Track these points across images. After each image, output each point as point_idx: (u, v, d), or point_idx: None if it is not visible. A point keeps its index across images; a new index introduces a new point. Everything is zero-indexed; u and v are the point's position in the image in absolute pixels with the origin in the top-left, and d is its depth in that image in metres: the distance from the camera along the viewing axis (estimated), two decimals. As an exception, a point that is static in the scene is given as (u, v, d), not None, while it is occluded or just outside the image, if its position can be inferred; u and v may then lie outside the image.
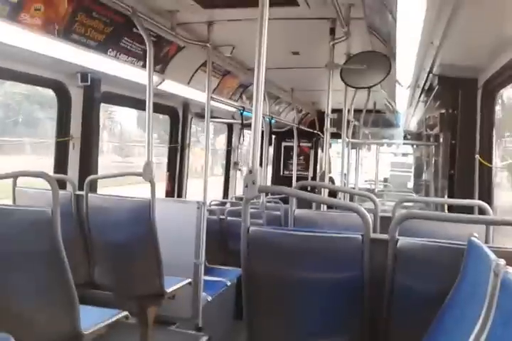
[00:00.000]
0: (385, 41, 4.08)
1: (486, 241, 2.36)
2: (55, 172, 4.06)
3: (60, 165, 4.12)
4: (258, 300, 2.16)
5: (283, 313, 2.15)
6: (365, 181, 10.99)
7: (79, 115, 4.17)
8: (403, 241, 1.89)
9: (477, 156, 3.67)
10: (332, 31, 3.97)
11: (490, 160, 3.61)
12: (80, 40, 3.37)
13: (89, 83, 3.99)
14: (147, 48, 3.61)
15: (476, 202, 2.83)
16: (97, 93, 4.18)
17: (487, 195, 3.60)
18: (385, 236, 1.93)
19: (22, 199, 3.35)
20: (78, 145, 4.18)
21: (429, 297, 1.76)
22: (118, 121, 10.26)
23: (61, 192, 2.61)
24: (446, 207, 4.10)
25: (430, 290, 1.79)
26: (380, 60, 4.10)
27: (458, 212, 2.21)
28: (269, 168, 9.93)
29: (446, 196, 4.43)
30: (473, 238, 1.65)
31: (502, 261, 1.16)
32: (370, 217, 1.98)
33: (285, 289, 2.11)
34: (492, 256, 1.27)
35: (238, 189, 8.19)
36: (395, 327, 1.92)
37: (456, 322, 1.44)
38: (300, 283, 2.06)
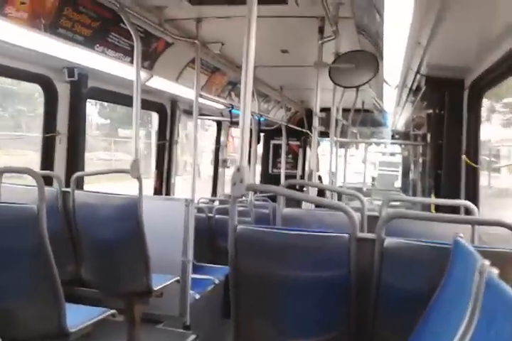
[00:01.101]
0: (373, 41, 4.09)
1: (472, 241, 2.38)
2: (42, 168, 4.02)
3: (47, 161, 4.08)
4: (245, 299, 2.15)
5: (270, 312, 2.15)
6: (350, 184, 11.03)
7: (66, 111, 4.14)
8: (390, 240, 1.90)
9: (463, 157, 3.70)
10: (321, 30, 3.97)
11: (476, 161, 3.64)
12: (66, 35, 3.34)
13: (76, 78, 3.96)
14: (135, 44, 3.59)
15: (463, 202, 2.85)
16: (83, 88, 4.14)
17: (473, 195, 3.63)
18: (371, 236, 1.94)
19: (7, 196, 3.32)
20: (65, 142, 4.14)
21: (416, 296, 1.77)
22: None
23: (47, 188, 2.59)
24: (432, 206, 4.12)
25: (416, 289, 1.80)
26: (368, 59, 4.12)
27: (444, 212, 2.23)
28: (258, 167, 9.94)
29: (433, 195, 4.46)
30: (458, 238, 1.67)
31: (487, 261, 1.17)
32: (357, 216, 1.98)
33: (272, 287, 2.11)
34: (477, 256, 1.28)
35: (227, 187, 8.17)
36: (382, 325, 1.93)
37: (442, 322, 1.45)
38: (287, 281, 2.07)
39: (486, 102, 3.92)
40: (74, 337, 2.34)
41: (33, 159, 4.18)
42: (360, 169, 10.61)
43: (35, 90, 4.26)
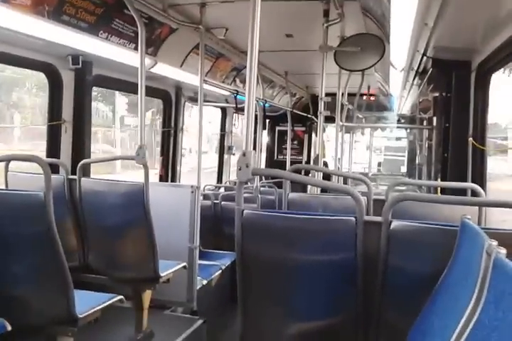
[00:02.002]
0: (379, 23, 4.05)
1: (479, 223, 2.37)
2: (48, 156, 4.03)
3: (53, 149, 4.09)
4: (252, 283, 2.16)
5: (277, 295, 2.16)
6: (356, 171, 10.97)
7: (70, 99, 4.13)
8: (396, 223, 1.90)
9: (470, 139, 3.67)
10: (326, 13, 3.93)
11: (483, 143, 3.61)
12: (70, 22, 3.32)
13: (80, 66, 3.94)
14: (139, 30, 3.56)
15: (469, 184, 2.84)
16: (88, 76, 4.13)
17: (480, 178, 3.61)
18: (378, 219, 1.94)
19: (14, 184, 3.33)
20: (70, 130, 4.15)
21: (423, 278, 1.77)
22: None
23: (54, 176, 2.59)
24: (439, 190, 4.11)
25: (423, 271, 1.80)
26: (374, 42, 4.08)
27: (451, 195, 2.22)
28: (263, 153, 9.92)
29: (439, 179, 4.45)
30: (466, 219, 1.66)
31: (494, 242, 1.16)
32: (363, 200, 1.98)
33: (279, 271, 2.11)
34: (485, 236, 1.27)
35: (232, 174, 8.18)
36: (389, 308, 1.93)
37: (449, 303, 1.46)
38: (294, 265, 2.07)
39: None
40: (82, 322, 2.37)
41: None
42: (365, 158, 10.58)
43: (23, 76, 4.20)
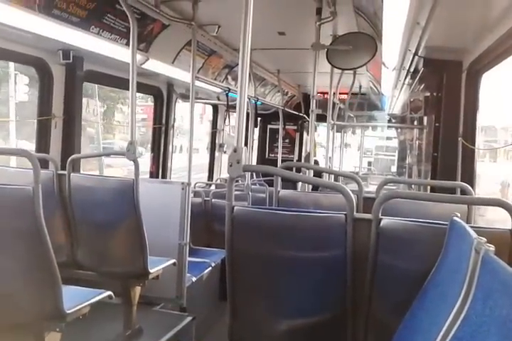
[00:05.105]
0: (371, 22, 4.06)
1: (468, 222, 2.38)
2: (37, 151, 4.01)
3: (42, 144, 4.06)
4: (242, 280, 2.16)
5: (266, 292, 2.16)
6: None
7: (61, 94, 4.11)
8: (386, 220, 1.90)
9: (460, 139, 3.70)
10: (318, 11, 3.93)
11: (473, 143, 3.64)
12: (61, 16, 3.29)
13: (71, 61, 3.92)
14: (131, 26, 3.54)
15: (459, 183, 2.86)
16: (79, 71, 4.11)
17: (469, 177, 3.64)
18: (368, 216, 1.94)
19: (2, 179, 3.30)
20: (60, 125, 4.12)
21: (412, 276, 1.78)
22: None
23: (43, 171, 2.57)
24: (428, 189, 4.13)
25: (412, 269, 1.80)
26: (366, 41, 4.09)
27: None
28: (255, 151, 9.92)
29: (429, 178, 4.47)
30: (455, 217, 1.67)
31: (483, 239, 1.17)
32: (353, 197, 1.98)
33: (269, 268, 2.11)
34: (473, 234, 1.28)
35: (223, 171, 8.17)
36: (378, 305, 1.94)
37: (438, 300, 1.46)
38: (284, 262, 2.07)
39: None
40: (70, 318, 2.34)
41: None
42: (355, 162, 10.65)
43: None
